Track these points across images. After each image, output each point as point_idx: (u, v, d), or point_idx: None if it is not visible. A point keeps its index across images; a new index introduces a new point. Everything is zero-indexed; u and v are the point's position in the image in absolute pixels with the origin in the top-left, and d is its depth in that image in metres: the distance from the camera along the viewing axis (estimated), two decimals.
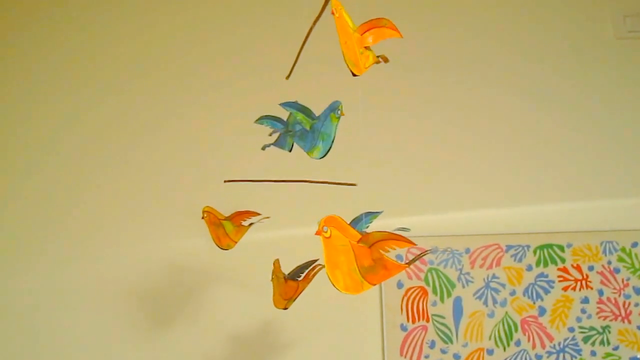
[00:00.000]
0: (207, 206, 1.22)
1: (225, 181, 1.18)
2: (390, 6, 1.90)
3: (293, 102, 1.02)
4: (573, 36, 1.98)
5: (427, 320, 1.79)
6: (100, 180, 1.86)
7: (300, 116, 0.99)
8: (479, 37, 1.97)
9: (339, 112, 0.96)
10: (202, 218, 1.23)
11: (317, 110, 1.00)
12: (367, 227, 0.99)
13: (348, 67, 0.90)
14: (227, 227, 1.21)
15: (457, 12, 1.99)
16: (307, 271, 1.11)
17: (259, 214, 1.23)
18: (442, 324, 1.79)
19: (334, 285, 0.86)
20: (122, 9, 1.98)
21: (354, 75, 0.90)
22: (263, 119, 1.04)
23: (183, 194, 1.83)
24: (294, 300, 1.14)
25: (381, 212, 1.00)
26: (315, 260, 1.05)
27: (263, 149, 1.05)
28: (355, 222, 1.01)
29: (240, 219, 1.23)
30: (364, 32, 0.90)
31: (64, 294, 1.78)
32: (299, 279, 1.11)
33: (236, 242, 1.23)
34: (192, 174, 1.85)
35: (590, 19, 1.99)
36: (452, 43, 1.97)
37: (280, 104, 1.02)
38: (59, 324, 1.77)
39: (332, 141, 0.98)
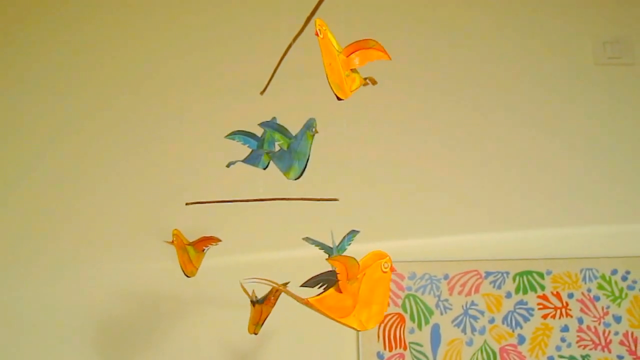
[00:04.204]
0: (176, 229, 1.17)
1: (187, 204, 1.12)
2: (375, 24, 1.90)
3: (271, 121, 0.97)
4: (554, 62, 1.98)
5: (405, 348, 1.74)
6: (68, 200, 1.79)
7: (277, 136, 0.95)
8: (461, 59, 1.96)
9: (314, 129, 0.92)
10: (172, 242, 1.17)
11: (296, 128, 0.96)
12: (349, 244, 0.95)
13: (332, 90, 0.84)
14: (190, 252, 1.16)
15: (440, 33, 1.98)
16: (268, 294, 1.07)
17: (220, 240, 1.18)
18: (420, 352, 1.74)
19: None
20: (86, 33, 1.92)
21: (339, 99, 0.85)
22: (235, 134, 0.99)
23: (151, 216, 1.77)
24: (261, 325, 1.10)
25: (358, 231, 0.95)
26: (287, 283, 0.99)
27: (228, 166, 0.98)
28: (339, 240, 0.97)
29: (203, 245, 1.18)
30: (350, 54, 0.86)
31: (21, 318, 1.70)
32: (261, 302, 1.07)
33: (197, 269, 1.18)
34: (162, 195, 1.78)
35: (570, 46, 2.00)
36: (436, 64, 1.95)
37: (259, 124, 0.97)
38: (17, 349, 1.69)
39: (307, 160, 0.94)
